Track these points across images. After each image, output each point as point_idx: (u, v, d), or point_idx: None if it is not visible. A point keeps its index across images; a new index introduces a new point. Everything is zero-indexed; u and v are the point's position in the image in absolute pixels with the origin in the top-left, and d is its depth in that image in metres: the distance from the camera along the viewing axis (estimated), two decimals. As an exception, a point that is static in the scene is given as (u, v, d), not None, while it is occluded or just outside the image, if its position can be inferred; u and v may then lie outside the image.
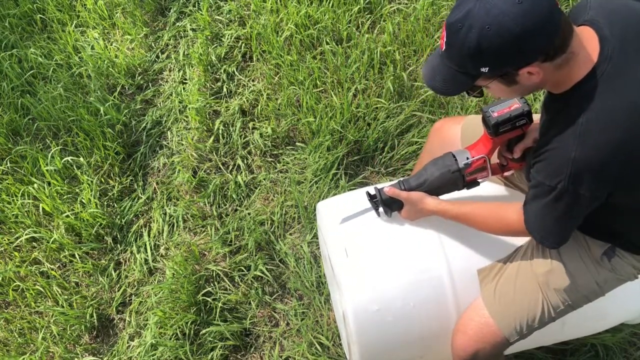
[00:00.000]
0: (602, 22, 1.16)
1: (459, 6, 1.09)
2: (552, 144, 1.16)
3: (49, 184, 2.44)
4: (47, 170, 2.44)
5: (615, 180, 1.14)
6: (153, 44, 2.86)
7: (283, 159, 2.45)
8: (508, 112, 1.40)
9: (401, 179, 1.55)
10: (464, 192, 1.55)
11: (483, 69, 1.10)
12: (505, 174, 1.57)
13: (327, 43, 2.59)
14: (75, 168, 2.50)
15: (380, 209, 1.56)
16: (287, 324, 2.12)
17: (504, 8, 1.03)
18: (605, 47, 1.12)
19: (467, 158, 1.48)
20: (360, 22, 2.70)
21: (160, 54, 2.84)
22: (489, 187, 1.64)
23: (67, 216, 2.34)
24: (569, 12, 1.28)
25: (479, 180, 1.51)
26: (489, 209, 1.42)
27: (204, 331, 2.08)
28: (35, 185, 2.42)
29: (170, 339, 2.08)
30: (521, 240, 1.51)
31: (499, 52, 1.06)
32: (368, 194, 1.58)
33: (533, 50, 1.06)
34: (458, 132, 1.67)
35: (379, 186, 1.57)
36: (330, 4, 2.69)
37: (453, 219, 1.47)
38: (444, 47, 1.13)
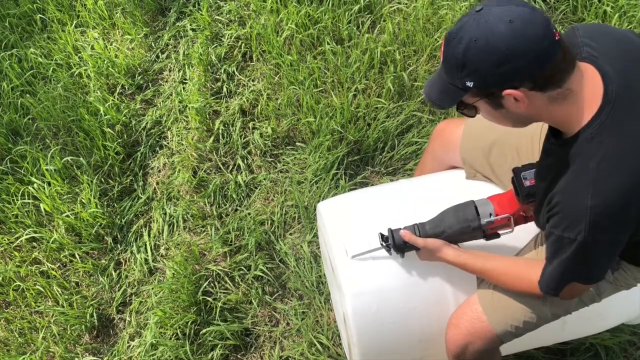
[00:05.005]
0: (602, 58, 1.13)
1: (460, 19, 1.09)
2: (564, 195, 1.13)
3: (49, 184, 2.43)
4: (47, 170, 2.44)
5: (636, 222, 1.11)
6: (153, 44, 2.86)
7: (283, 159, 2.45)
8: None
9: (417, 223, 1.46)
10: None
11: (468, 83, 1.08)
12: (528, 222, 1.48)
13: (327, 43, 2.59)
14: (75, 168, 2.50)
15: (392, 251, 1.49)
16: (287, 324, 2.12)
17: (494, 24, 1.02)
18: (609, 86, 1.09)
19: (490, 215, 1.40)
20: (360, 22, 2.70)
21: (160, 54, 2.84)
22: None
23: (67, 216, 2.34)
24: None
25: (500, 233, 1.44)
26: (512, 268, 1.37)
27: (204, 331, 2.08)
28: (35, 185, 2.42)
29: (171, 338, 2.08)
30: (523, 243, 1.51)
31: (481, 67, 1.05)
32: (381, 235, 1.49)
33: (516, 72, 1.04)
34: (460, 135, 1.67)
35: (393, 227, 1.48)
36: (330, 4, 2.69)
37: (472, 273, 1.43)
38: (442, 59, 1.13)
